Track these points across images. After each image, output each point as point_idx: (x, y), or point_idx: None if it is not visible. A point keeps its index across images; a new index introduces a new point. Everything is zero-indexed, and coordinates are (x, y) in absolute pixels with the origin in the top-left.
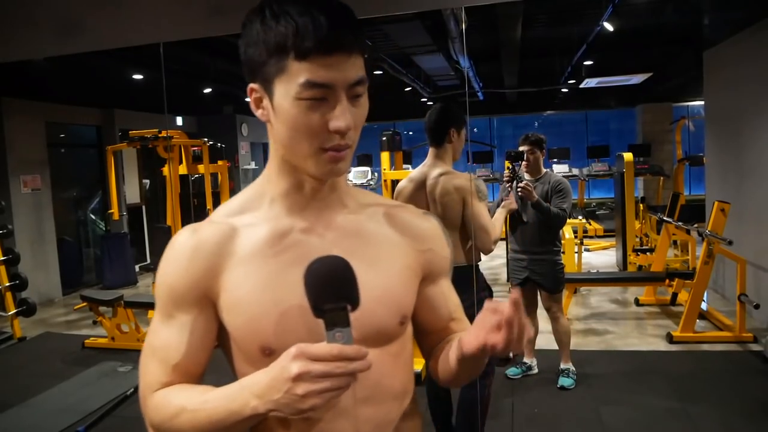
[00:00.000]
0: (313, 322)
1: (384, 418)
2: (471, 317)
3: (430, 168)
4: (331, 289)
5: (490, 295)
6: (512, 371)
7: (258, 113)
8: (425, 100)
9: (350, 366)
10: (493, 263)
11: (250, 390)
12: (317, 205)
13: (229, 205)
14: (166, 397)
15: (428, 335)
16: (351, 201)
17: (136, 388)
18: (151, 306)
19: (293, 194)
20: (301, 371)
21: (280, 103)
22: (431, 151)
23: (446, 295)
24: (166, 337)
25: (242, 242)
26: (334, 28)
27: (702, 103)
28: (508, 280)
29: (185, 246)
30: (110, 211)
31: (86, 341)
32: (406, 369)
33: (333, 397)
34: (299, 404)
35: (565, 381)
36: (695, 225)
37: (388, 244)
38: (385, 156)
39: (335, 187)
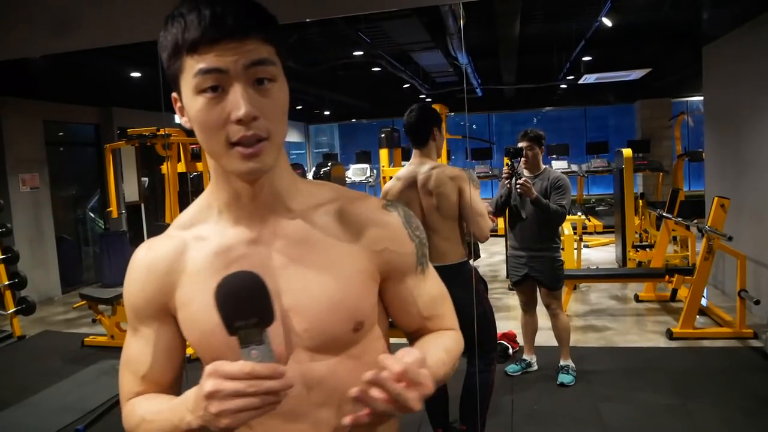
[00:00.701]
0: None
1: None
2: (470, 316)
3: (419, 165)
4: (241, 305)
5: (486, 288)
6: (512, 368)
7: (182, 121)
8: (424, 96)
9: (264, 385)
10: (493, 260)
11: (185, 405)
12: (260, 212)
13: (181, 218)
14: (133, 407)
15: (408, 335)
16: (298, 203)
17: None
18: None
19: (234, 203)
20: (212, 390)
21: (187, 103)
22: (416, 151)
23: (417, 295)
24: (134, 350)
25: (192, 257)
26: (220, 17)
27: (701, 98)
28: (507, 277)
29: (141, 264)
30: (109, 210)
31: (85, 339)
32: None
33: (253, 416)
34: (215, 422)
35: (564, 378)
36: (695, 221)
37: (339, 247)
38: (383, 153)
39: (276, 190)
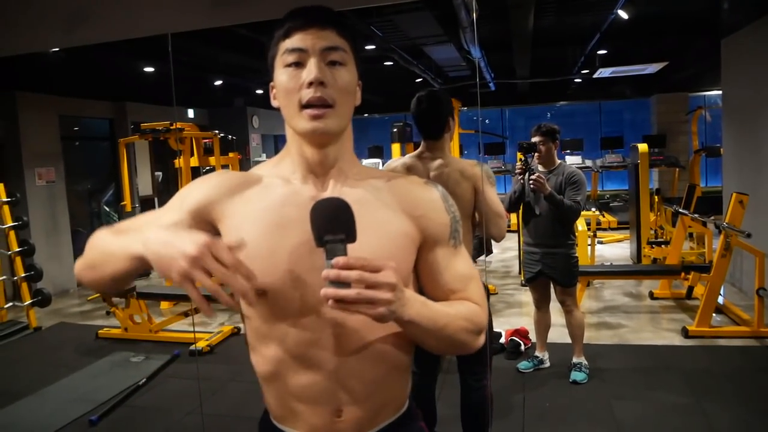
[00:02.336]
0: (301, 273)
1: (369, 372)
2: None
3: (429, 159)
4: (332, 222)
5: (487, 296)
6: (524, 365)
7: (274, 103)
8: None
9: (236, 280)
10: (505, 255)
11: (145, 237)
12: (324, 175)
13: (265, 164)
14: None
15: None
16: (354, 172)
17: (149, 378)
18: (163, 297)
19: (302, 166)
20: (197, 255)
21: (277, 77)
22: (426, 143)
23: (445, 266)
24: (145, 215)
25: (259, 192)
26: (309, 12)
27: (719, 92)
28: (520, 273)
29: (213, 177)
30: (123, 203)
31: (99, 332)
32: (400, 332)
33: (202, 301)
34: (172, 273)
35: (577, 375)
36: (712, 217)
37: (386, 210)
38: (396, 147)
39: (339, 160)
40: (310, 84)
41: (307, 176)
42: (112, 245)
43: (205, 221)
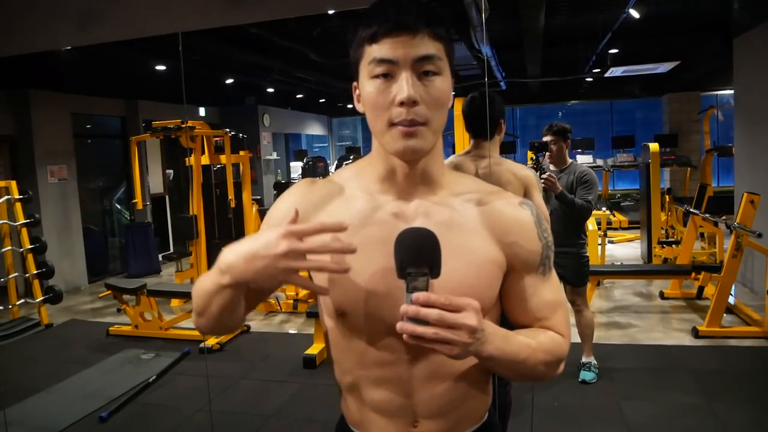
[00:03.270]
0: (381, 295)
1: (446, 395)
2: None
3: (476, 158)
4: (416, 255)
5: None
6: None
7: (358, 107)
8: None
9: (326, 260)
10: None
11: (220, 264)
12: (409, 190)
13: (344, 172)
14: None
15: (517, 328)
16: (444, 189)
17: (159, 375)
18: (173, 295)
19: (388, 178)
20: (288, 249)
21: (363, 86)
22: (475, 142)
23: (531, 293)
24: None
25: (339, 205)
26: (398, 14)
27: (731, 91)
28: None
29: (299, 191)
30: (134, 201)
31: (110, 329)
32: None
33: (314, 286)
34: (279, 278)
35: (586, 375)
36: (723, 217)
37: (474, 234)
38: None
39: (427, 173)
40: (402, 103)
41: (391, 190)
42: (206, 285)
43: None
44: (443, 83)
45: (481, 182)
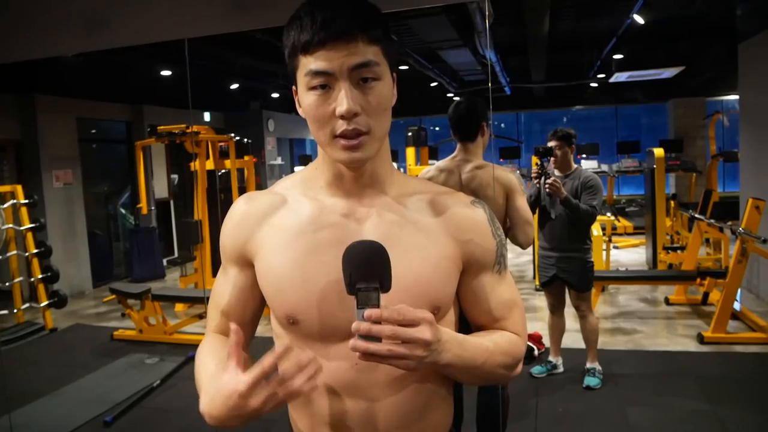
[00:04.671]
0: (335, 300)
1: (407, 404)
2: None
3: (462, 162)
4: (365, 269)
5: None
6: (537, 370)
7: (300, 112)
8: (451, 95)
9: (287, 390)
10: (520, 260)
11: (211, 384)
12: (359, 192)
13: (285, 180)
14: (203, 344)
15: (474, 328)
16: (393, 189)
17: (163, 380)
18: (178, 299)
19: (336, 182)
20: (247, 390)
21: (301, 96)
22: (461, 146)
23: (489, 292)
24: (219, 286)
25: (286, 215)
26: (330, 21)
27: (737, 97)
28: (534, 277)
29: (237, 212)
30: (139, 206)
31: (115, 333)
32: None
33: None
34: (255, 414)
35: (591, 380)
36: (728, 222)
37: (427, 232)
38: (410, 151)
39: (375, 175)
40: (342, 116)
41: (340, 193)
42: (200, 380)
43: (247, 262)
44: (384, 87)
45: (431, 183)
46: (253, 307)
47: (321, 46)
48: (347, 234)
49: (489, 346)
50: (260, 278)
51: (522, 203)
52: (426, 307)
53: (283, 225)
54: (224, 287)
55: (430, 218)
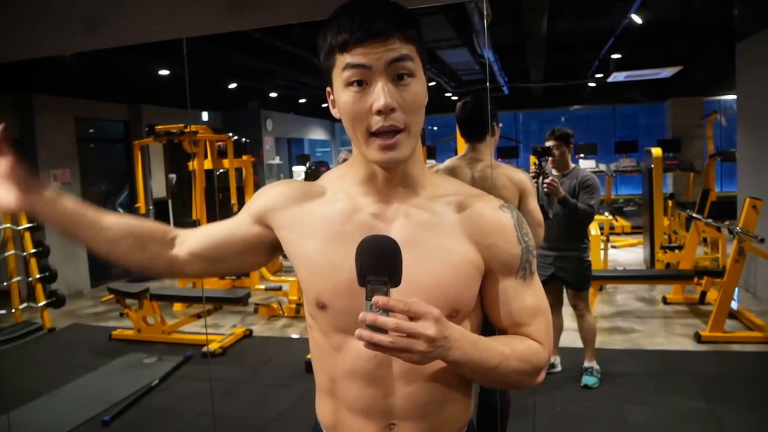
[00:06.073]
0: (357, 292)
1: (424, 395)
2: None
3: (472, 161)
4: (376, 263)
5: None
6: None
7: (334, 113)
8: (450, 95)
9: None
10: None
11: None
12: (390, 192)
13: (333, 172)
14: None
15: (499, 332)
16: (425, 191)
17: (161, 379)
18: (176, 299)
19: (369, 182)
20: None
21: (338, 95)
22: (469, 146)
23: (511, 297)
24: (221, 221)
25: (321, 204)
26: (368, 20)
27: (734, 97)
28: None
29: (280, 185)
30: (137, 205)
31: (113, 333)
32: None
33: None
34: None
35: (588, 380)
36: (726, 222)
37: (452, 235)
38: None
39: (408, 176)
40: (379, 111)
41: (371, 192)
42: None
43: (265, 225)
44: (418, 85)
45: (463, 185)
46: (234, 250)
47: (359, 44)
48: (373, 232)
49: (504, 350)
50: (291, 258)
51: (534, 205)
52: (444, 309)
53: (318, 213)
54: (225, 222)
55: (456, 221)
